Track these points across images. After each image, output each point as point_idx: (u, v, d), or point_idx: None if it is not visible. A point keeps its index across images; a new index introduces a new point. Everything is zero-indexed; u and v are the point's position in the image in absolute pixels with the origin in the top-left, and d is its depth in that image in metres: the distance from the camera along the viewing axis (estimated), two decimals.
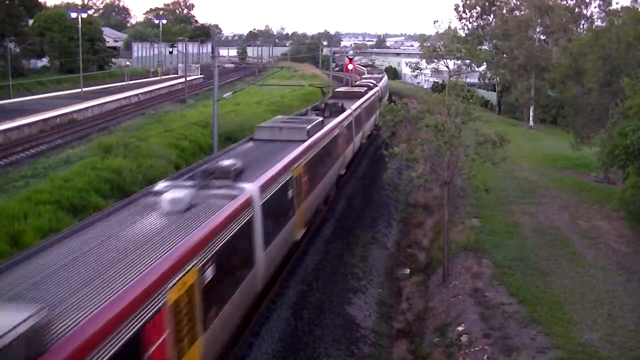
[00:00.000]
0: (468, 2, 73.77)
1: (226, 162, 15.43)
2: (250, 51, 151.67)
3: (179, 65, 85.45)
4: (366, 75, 72.76)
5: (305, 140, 20.67)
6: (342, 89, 45.95)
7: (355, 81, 62.47)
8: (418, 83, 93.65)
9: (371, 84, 49.59)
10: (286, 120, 23.69)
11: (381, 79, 63.99)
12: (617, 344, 14.88)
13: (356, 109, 33.57)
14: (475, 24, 74.87)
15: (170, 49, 76.45)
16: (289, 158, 18.08)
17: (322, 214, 24.62)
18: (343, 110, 30.28)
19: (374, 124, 43.49)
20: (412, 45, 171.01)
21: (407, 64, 76.76)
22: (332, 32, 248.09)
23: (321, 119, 24.63)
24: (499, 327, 15.92)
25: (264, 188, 14.72)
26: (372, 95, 43.56)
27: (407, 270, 22.68)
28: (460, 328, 16.41)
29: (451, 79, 20.90)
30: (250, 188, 13.91)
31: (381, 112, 46.08)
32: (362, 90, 41.15)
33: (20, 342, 6.38)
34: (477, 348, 15.23)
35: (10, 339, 6.31)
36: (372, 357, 16.03)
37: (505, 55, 62.53)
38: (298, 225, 18.73)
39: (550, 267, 19.87)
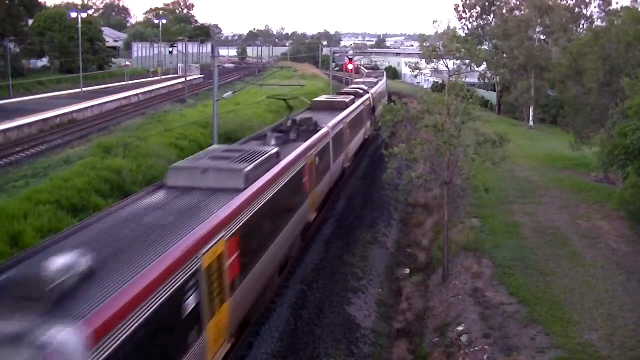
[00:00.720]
0: (468, 2, 73.79)
1: (59, 263, 7.89)
2: (250, 51, 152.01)
3: (179, 65, 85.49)
4: (358, 79, 64.44)
5: (241, 190, 13.34)
6: (321, 98, 37.27)
7: (353, 83, 58.91)
8: (418, 83, 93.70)
9: (361, 91, 41.86)
10: (218, 156, 15.35)
11: (376, 83, 55.01)
12: (617, 344, 14.87)
13: (336, 125, 26.74)
14: (475, 24, 74.90)
15: (170, 49, 76.63)
16: (198, 234, 10.68)
17: (274, 292, 17.27)
18: (317, 129, 23.25)
19: (363, 140, 37.58)
20: (412, 45, 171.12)
21: (407, 64, 76.63)
22: (332, 32, 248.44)
23: (276, 150, 17.04)
24: (499, 327, 15.92)
25: (107, 328, 7.35)
26: (361, 105, 36.75)
27: (407, 270, 22.69)
28: (460, 328, 16.40)
29: (451, 79, 20.89)
30: (65, 340, 6.66)
31: (372, 124, 40.93)
32: (347, 101, 33.70)
33: None
34: (477, 348, 15.23)
35: None
36: (372, 357, 16.03)
37: (505, 55, 62.55)
38: (210, 352, 11.12)
39: (550, 267, 19.87)
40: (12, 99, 52.07)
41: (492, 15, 71.83)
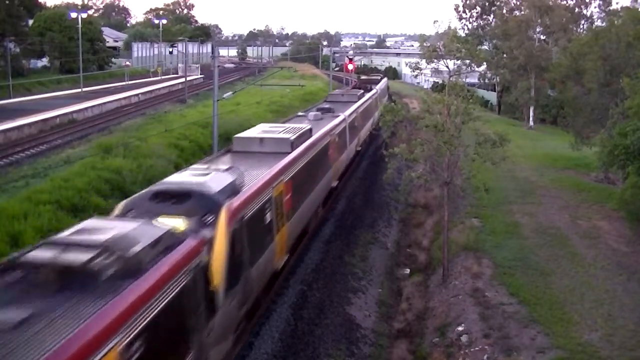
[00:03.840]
0: (468, 2, 73.80)
1: None
2: (250, 51, 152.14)
3: (179, 65, 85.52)
4: (277, 127, 22.44)
5: None
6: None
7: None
8: (418, 83, 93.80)
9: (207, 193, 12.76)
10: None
11: (328, 121, 26.86)
12: (617, 344, 14.87)
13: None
14: (475, 24, 74.91)
15: (170, 49, 76.68)
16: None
17: None
18: None
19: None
20: (412, 45, 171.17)
21: (407, 64, 76.63)
22: (332, 32, 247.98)
23: None
24: (499, 327, 15.92)
25: None
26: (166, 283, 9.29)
27: (407, 270, 22.68)
28: (460, 328, 16.40)
29: (451, 79, 20.89)
30: None
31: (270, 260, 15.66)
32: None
33: None
34: (477, 348, 15.23)
35: None
36: (372, 357, 16.03)
37: (505, 55, 62.51)
38: None
39: (550, 267, 19.86)
40: (12, 99, 52.08)
41: (492, 15, 71.82)
